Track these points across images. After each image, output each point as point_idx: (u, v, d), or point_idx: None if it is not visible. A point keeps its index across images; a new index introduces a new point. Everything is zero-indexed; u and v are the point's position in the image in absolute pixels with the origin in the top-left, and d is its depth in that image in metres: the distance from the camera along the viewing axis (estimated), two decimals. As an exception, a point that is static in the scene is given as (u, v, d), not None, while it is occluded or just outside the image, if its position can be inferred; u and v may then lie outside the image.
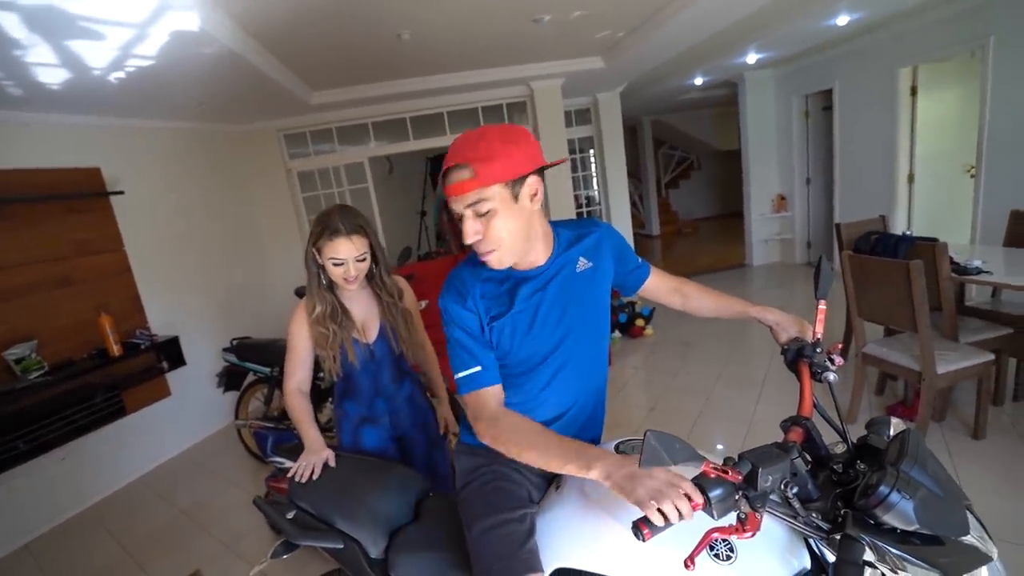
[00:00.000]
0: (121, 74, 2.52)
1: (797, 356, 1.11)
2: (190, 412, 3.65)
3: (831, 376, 1.03)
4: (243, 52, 2.54)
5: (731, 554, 0.85)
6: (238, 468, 3.26)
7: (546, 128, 4.74)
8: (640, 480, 0.76)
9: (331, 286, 1.56)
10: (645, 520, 0.73)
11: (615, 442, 1.11)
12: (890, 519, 0.72)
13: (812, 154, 5.97)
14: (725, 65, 5.34)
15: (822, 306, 1.09)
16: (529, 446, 0.94)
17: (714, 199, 11.32)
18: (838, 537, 0.77)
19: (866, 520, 0.76)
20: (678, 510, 0.71)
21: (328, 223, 1.45)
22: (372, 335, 1.62)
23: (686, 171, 11.13)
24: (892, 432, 0.93)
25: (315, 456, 1.37)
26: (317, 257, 1.50)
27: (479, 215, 0.94)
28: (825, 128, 5.70)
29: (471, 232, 0.96)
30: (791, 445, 0.85)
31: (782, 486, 0.77)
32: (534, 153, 0.97)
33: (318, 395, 2.89)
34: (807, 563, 0.86)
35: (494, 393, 1.04)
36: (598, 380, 1.18)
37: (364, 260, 1.50)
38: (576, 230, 1.15)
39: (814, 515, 0.81)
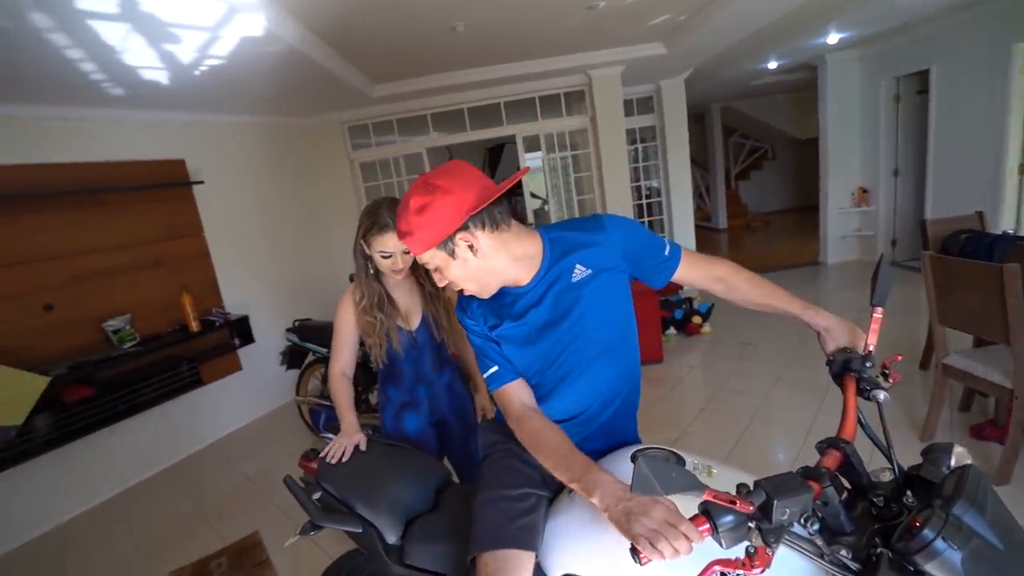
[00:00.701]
0: (199, 73, 2.72)
1: (844, 369, 1.00)
2: (257, 386, 3.93)
3: (881, 395, 0.91)
4: (306, 49, 2.66)
5: None
6: (298, 441, 3.48)
7: (604, 118, 4.62)
8: (636, 518, 0.75)
9: (378, 275, 1.61)
10: None
11: (633, 450, 1.08)
12: (933, 569, 0.64)
13: (902, 143, 5.43)
14: (803, 46, 4.95)
15: (878, 314, 0.97)
16: (544, 455, 0.98)
17: (788, 192, 10.60)
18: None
19: (904, 565, 0.68)
20: (675, 548, 0.70)
21: (377, 217, 1.48)
22: (415, 323, 1.67)
23: (758, 161, 10.47)
24: (953, 463, 0.83)
25: (348, 439, 1.43)
26: (365, 248, 1.54)
27: (433, 269, 1.05)
28: (919, 114, 5.16)
29: (438, 280, 1.06)
30: (822, 472, 0.78)
31: (802, 520, 0.71)
32: (459, 204, 0.95)
33: (372, 378, 3.02)
34: None
35: (515, 389, 1.09)
36: (616, 385, 1.14)
37: (411, 252, 1.55)
38: (576, 235, 1.09)
39: (844, 552, 0.75)
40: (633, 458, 1.06)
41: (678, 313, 4.41)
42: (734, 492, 0.72)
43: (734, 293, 1.18)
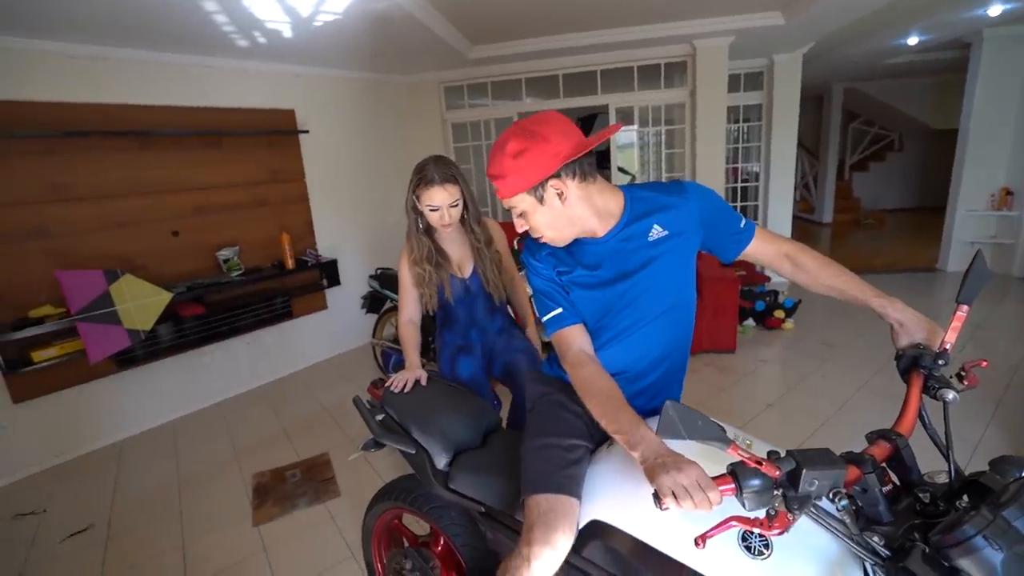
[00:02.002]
0: (315, 27, 2.91)
1: (913, 364, 0.95)
2: (340, 325, 4.27)
3: (950, 395, 0.86)
4: (410, 6, 2.75)
5: (764, 550, 0.80)
6: (370, 378, 3.73)
7: (705, 92, 4.35)
8: (669, 471, 0.78)
9: (428, 230, 1.72)
10: None
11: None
12: (967, 566, 0.62)
13: (1067, 140, 4.62)
14: (954, 19, 4.29)
15: (961, 312, 0.91)
16: (595, 402, 1.00)
17: (912, 189, 9.42)
18: (896, 567, 0.68)
19: (937, 560, 0.65)
20: (695, 504, 0.74)
21: (424, 173, 1.59)
22: (467, 271, 1.79)
23: (881, 152, 9.36)
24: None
25: (411, 373, 1.58)
26: (416, 204, 1.65)
27: (518, 214, 1.08)
28: (1095, 106, 4.34)
29: (518, 226, 1.11)
30: (866, 458, 0.75)
31: (831, 496, 0.69)
32: (556, 153, 0.98)
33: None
34: None
35: (575, 334, 1.11)
36: (669, 347, 1.16)
37: (457, 206, 1.64)
38: (658, 197, 1.12)
39: (876, 538, 0.72)
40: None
41: (760, 305, 4.16)
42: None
43: (802, 273, 1.14)
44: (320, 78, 3.98)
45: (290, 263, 3.66)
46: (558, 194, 1.02)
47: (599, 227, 1.09)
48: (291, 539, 2.18)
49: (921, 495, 0.76)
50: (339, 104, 4.17)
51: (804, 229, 8.30)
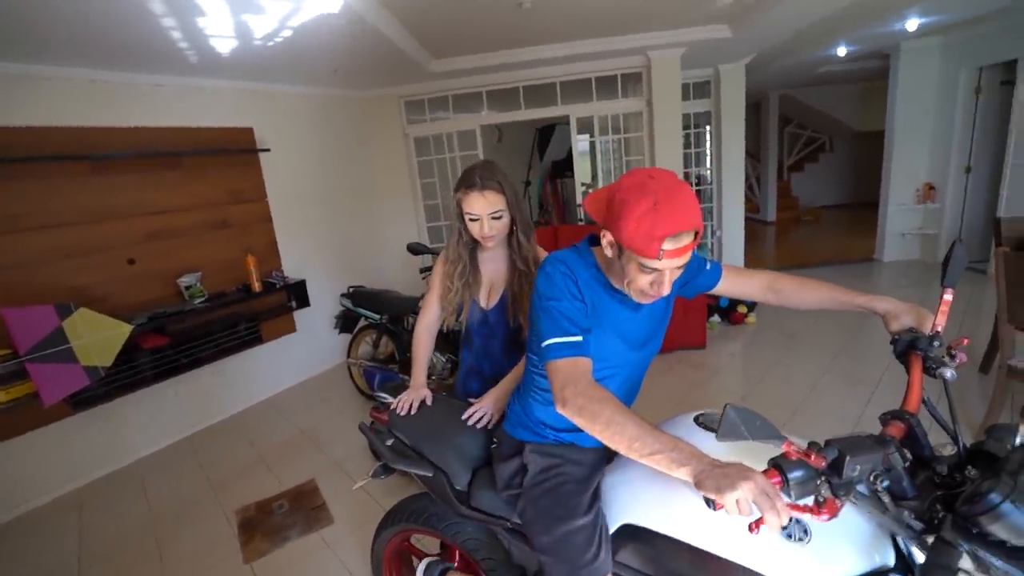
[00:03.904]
0: (273, 44, 2.84)
1: (909, 347, 1.03)
2: (310, 348, 4.14)
3: (948, 373, 0.95)
4: (374, 20, 2.74)
5: (804, 535, 0.85)
6: (346, 400, 3.68)
7: (661, 101, 4.54)
8: (733, 484, 0.72)
9: (472, 244, 1.55)
10: None
11: (694, 414, 1.13)
12: (997, 530, 0.68)
13: (977, 137, 5.13)
14: (877, 33, 4.71)
15: (948, 296, 1.00)
16: (618, 426, 0.88)
17: (844, 186, 10.14)
18: (931, 539, 0.74)
19: (968, 527, 0.72)
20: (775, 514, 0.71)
21: (467, 177, 1.44)
22: (492, 301, 1.60)
23: (814, 153, 10.05)
24: (1019, 441, 0.85)
25: (415, 393, 1.52)
26: (460, 210, 1.49)
27: (679, 267, 0.99)
28: (1000, 107, 4.85)
29: (664, 291, 1.01)
30: (889, 439, 0.82)
31: (871, 478, 0.75)
32: None
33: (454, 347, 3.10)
34: (890, 560, 0.84)
35: (589, 365, 1.01)
36: (639, 381, 1.25)
37: (500, 218, 1.46)
38: None
39: (907, 513, 0.79)
40: (697, 420, 1.12)
41: (723, 301, 4.37)
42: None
43: (787, 299, 1.25)
44: (279, 95, 3.88)
45: (257, 286, 3.53)
46: None
47: None
48: (287, 573, 2.09)
49: (938, 468, 0.83)
50: (299, 121, 4.07)
51: (752, 228, 8.73)
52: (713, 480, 0.75)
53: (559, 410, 0.96)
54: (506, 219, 1.47)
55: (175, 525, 2.48)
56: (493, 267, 1.59)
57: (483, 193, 1.42)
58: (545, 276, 1.08)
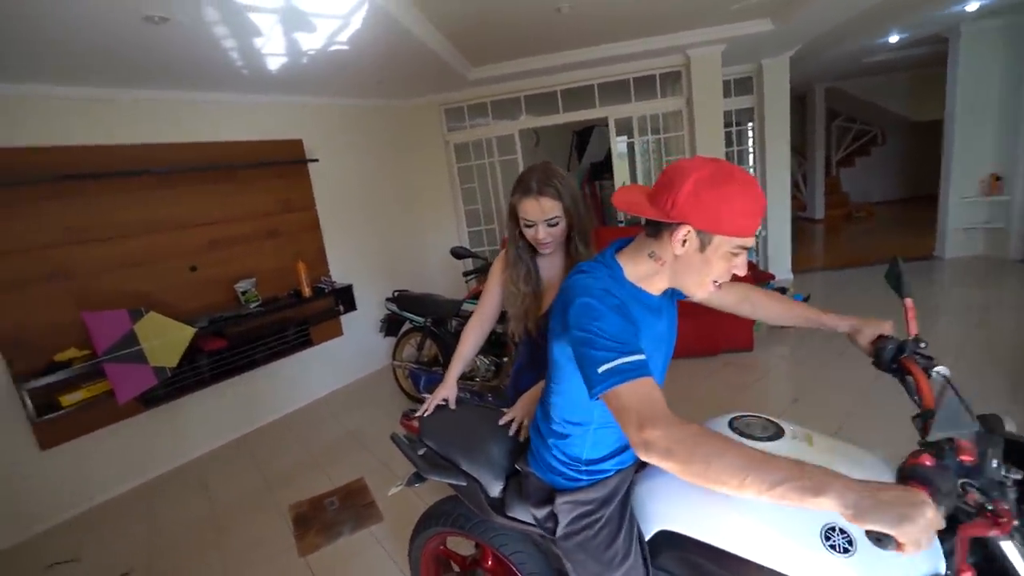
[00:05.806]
0: (323, 59, 2.96)
1: (899, 352, 1.05)
2: (357, 351, 4.27)
3: (944, 369, 0.96)
4: (417, 31, 2.81)
5: (849, 547, 0.81)
6: (392, 402, 3.77)
7: (701, 99, 4.47)
8: (910, 516, 0.61)
9: (530, 248, 1.48)
10: None
11: (728, 417, 1.09)
12: None
13: (1049, 124, 4.78)
14: (933, 17, 4.47)
15: (910, 304, 1.09)
16: (719, 462, 0.73)
17: (898, 180, 9.64)
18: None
19: None
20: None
21: (523, 180, 1.39)
22: (546, 305, 1.53)
23: (865, 147, 9.59)
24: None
25: (442, 391, 1.50)
26: (516, 212, 1.44)
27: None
28: (1074, 91, 4.52)
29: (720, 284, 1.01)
30: (994, 421, 0.77)
31: (1004, 471, 0.70)
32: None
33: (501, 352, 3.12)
34: (941, 568, 0.78)
35: (656, 387, 0.85)
36: None
37: (556, 225, 1.39)
38: None
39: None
40: (732, 424, 1.08)
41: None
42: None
43: (761, 310, 1.29)
44: (326, 107, 4.04)
45: (307, 291, 3.67)
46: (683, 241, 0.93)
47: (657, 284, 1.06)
48: (341, 567, 2.16)
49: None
50: (344, 131, 4.22)
51: (800, 227, 8.43)
52: (879, 512, 0.61)
53: (641, 455, 0.81)
54: (563, 225, 1.40)
55: (234, 518, 2.61)
56: (550, 273, 1.54)
57: (538, 199, 1.35)
58: (584, 308, 0.91)
